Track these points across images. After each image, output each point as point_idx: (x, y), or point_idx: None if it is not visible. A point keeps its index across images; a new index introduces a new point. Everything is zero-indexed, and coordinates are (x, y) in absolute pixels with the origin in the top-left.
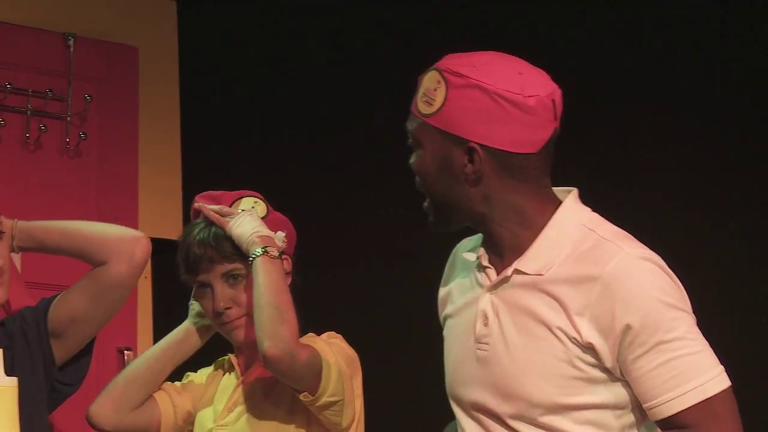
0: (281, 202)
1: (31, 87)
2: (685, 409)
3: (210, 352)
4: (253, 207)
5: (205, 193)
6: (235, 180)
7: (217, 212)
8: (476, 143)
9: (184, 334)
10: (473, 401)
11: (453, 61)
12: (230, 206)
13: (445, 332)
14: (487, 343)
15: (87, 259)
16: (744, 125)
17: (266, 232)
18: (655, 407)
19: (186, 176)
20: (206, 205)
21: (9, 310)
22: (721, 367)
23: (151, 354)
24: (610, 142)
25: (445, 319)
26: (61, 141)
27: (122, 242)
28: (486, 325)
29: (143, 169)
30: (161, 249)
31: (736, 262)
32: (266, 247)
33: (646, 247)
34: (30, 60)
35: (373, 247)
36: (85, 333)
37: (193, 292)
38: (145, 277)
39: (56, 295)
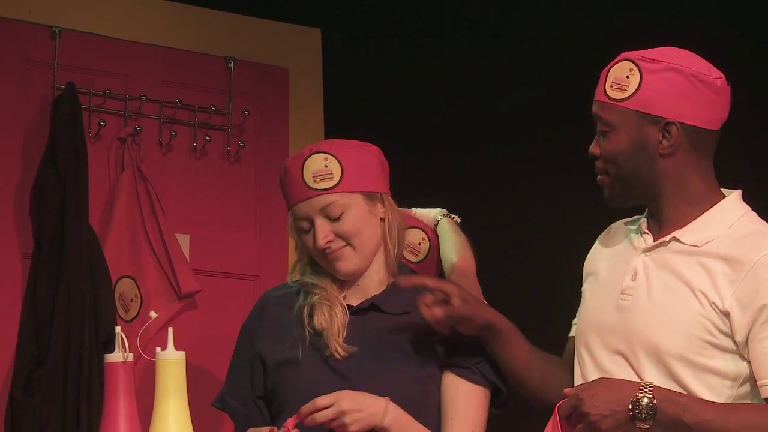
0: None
1: (198, 103)
2: None
3: None
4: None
5: None
6: None
7: None
8: (674, 120)
9: None
10: (604, 344)
11: (640, 53)
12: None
13: (586, 286)
14: (631, 295)
15: None
16: None
17: None
18: None
19: None
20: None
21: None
22: None
23: None
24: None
25: (588, 275)
26: (223, 149)
27: None
28: (634, 280)
29: None
30: None
31: None
32: None
33: None
34: (197, 80)
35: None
36: None
37: None
38: None
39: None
